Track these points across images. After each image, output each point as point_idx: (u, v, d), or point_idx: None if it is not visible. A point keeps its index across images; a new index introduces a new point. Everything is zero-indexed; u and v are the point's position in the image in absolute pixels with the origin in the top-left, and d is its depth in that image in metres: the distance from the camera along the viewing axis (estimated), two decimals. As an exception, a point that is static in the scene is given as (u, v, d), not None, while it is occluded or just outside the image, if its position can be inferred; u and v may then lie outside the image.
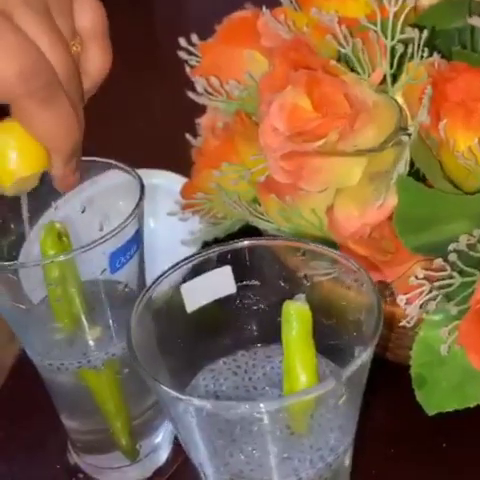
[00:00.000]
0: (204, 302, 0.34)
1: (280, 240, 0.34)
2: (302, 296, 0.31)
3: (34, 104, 0.33)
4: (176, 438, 0.47)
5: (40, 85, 0.33)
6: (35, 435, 0.50)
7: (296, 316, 0.30)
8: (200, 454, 0.31)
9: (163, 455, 0.47)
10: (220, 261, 0.34)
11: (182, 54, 0.52)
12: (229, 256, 0.34)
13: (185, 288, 0.34)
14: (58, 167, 0.37)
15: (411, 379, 0.42)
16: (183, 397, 0.27)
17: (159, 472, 0.46)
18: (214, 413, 0.28)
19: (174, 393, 0.27)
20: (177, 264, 0.33)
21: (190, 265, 0.34)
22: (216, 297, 0.34)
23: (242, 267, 0.34)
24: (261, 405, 0.26)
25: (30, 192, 0.42)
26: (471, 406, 0.40)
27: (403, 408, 0.44)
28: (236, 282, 0.35)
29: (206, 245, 0.52)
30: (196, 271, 0.34)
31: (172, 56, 0.52)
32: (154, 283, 0.33)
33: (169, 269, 0.33)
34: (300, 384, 0.29)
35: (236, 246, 0.34)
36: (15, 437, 0.50)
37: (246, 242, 0.34)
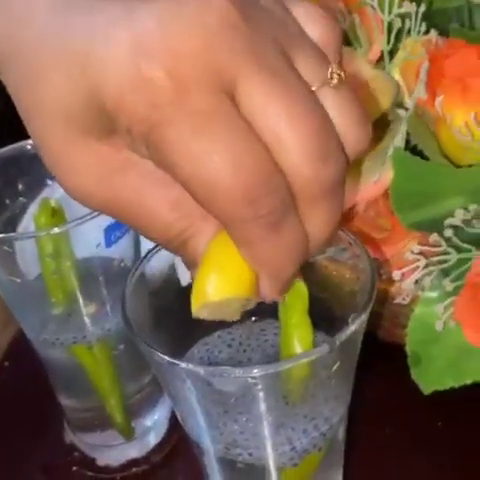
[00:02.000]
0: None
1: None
2: None
3: (257, 229, 0.24)
4: (172, 417, 0.47)
5: (271, 207, 0.24)
6: (31, 414, 0.50)
7: (293, 293, 0.30)
8: (195, 425, 0.31)
9: (159, 434, 0.47)
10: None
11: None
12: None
13: (179, 260, 0.34)
14: (266, 291, 0.27)
15: (406, 358, 0.42)
16: (178, 362, 0.27)
17: (155, 451, 0.46)
18: (208, 381, 0.28)
19: (170, 359, 0.27)
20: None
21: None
22: (211, 270, 0.34)
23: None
24: (256, 370, 0.26)
25: (27, 169, 0.43)
26: (468, 383, 0.39)
27: (398, 387, 0.44)
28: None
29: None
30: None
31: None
32: (148, 255, 0.33)
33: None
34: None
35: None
36: (11, 417, 0.50)
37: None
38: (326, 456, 0.32)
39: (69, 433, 0.48)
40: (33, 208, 0.44)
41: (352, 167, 0.26)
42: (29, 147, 0.42)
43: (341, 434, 0.32)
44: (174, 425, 0.47)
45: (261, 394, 0.28)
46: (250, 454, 0.30)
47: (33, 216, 0.40)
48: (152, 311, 0.33)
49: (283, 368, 0.27)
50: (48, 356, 0.44)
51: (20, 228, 0.44)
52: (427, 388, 0.41)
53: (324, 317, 0.33)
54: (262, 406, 0.29)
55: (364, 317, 0.28)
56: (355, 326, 0.27)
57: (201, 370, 0.26)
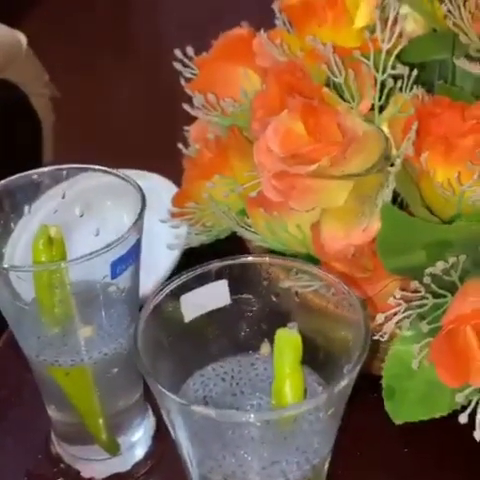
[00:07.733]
0: (201, 312, 0.37)
1: (276, 259, 0.37)
2: (294, 325, 0.34)
3: None
4: (157, 432, 0.50)
5: None
6: (18, 423, 0.51)
7: (288, 344, 0.33)
8: (195, 455, 0.33)
9: (143, 449, 0.49)
10: (218, 275, 0.37)
11: (177, 65, 0.54)
12: (226, 271, 0.37)
13: (184, 298, 0.36)
14: None
15: (380, 389, 0.45)
16: (188, 403, 0.30)
17: (138, 466, 0.48)
18: (212, 419, 0.31)
19: (182, 401, 0.30)
20: (179, 276, 0.36)
21: (190, 277, 0.36)
22: (212, 308, 0.37)
23: (237, 281, 0.37)
24: (255, 415, 0.29)
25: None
26: (436, 417, 0.43)
27: (370, 415, 0.47)
28: (231, 295, 0.37)
29: (190, 250, 0.54)
30: (195, 283, 0.37)
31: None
32: (159, 292, 0.35)
33: (172, 280, 0.36)
34: (288, 402, 0.32)
35: (233, 262, 0.37)
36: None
37: (243, 259, 0.37)
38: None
39: (56, 445, 0.49)
40: (17, 232, 0.45)
41: None
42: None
43: (327, 464, 0.35)
44: (159, 440, 0.49)
45: (259, 433, 0.31)
46: (246, 485, 0.33)
47: (32, 243, 0.41)
48: (156, 344, 0.36)
49: (283, 415, 0.30)
50: (43, 373, 0.45)
51: (6, 251, 0.45)
52: (399, 419, 0.44)
53: (315, 354, 0.36)
54: (258, 441, 0.32)
55: (358, 368, 0.31)
56: (349, 377, 0.30)
57: (213, 413, 0.29)
